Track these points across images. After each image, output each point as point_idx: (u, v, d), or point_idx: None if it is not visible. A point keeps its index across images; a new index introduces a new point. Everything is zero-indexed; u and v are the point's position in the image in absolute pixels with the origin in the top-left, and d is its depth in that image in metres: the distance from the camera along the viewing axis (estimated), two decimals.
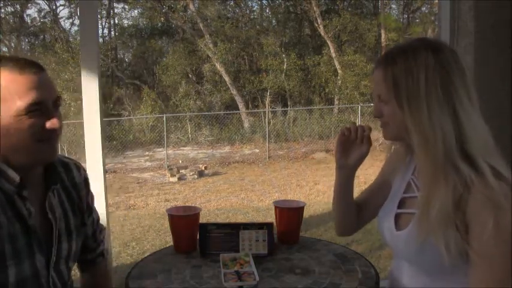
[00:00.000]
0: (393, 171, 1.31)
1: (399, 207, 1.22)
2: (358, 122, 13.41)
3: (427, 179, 1.08)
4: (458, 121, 1.06)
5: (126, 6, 18.76)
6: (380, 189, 1.37)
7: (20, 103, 1.07)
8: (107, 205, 1.92)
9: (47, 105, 1.12)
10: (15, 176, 1.10)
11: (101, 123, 1.87)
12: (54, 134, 1.13)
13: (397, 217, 1.21)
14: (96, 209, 1.41)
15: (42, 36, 18.79)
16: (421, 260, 1.12)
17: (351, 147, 1.31)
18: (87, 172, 1.38)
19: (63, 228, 1.22)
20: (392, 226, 1.20)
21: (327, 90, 16.29)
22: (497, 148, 1.09)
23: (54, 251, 1.18)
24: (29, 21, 18.74)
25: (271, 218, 1.66)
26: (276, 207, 1.54)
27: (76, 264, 1.39)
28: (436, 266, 1.08)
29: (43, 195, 1.19)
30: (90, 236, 1.37)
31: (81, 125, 1.88)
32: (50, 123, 1.11)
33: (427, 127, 1.06)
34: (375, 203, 1.35)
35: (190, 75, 16.93)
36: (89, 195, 1.36)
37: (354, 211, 1.39)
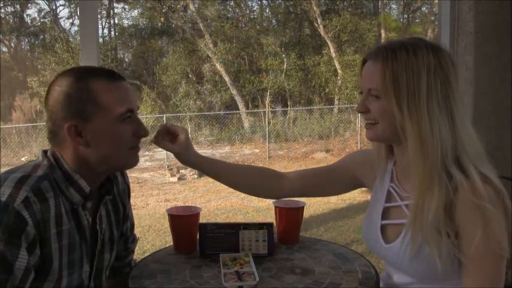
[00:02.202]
0: (365, 171, 1.29)
1: (383, 218, 1.19)
2: (358, 122, 13.40)
3: (422, 185, 1.05)
4: (454, 126, 1.05)
5: (126, 6, 18.79)
6: (330, 175, 1.37)
7: (118, 109, 1.10)
8: None
9: (136, 113, 1.17)
10: (86, 187, 1.11)
11: None
12: (140, 141, 1.19)
13: (383, 228, 1.18)
14: (132, 215, 1.42)
15: (42, 36, 18.80)
16: (414, 270, 1.11)
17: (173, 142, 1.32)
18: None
19: (107, 239, 1.23)
20: (380, 239, 1.18)
21: (327, 90, 16.28)
22: (486, 154, 1.08)
23: (95, 262, 1.19)
24: (29, 21, 18.77)
25: (271, 218, 1.66)
26: (276, 207, 1.54)
27: None
28: (430, 274, 1.08)
29: (96, 206, 1.19)
30: (122, 244, 1.37)
31: None
32: (145, 131, 1.17)
33: (426, 130, 1.03)
34: (314, 185, 1.38)
35: (190, 75, 16.93)
36: (129, 202, 1.36)
37: (255, 180, 1.40)
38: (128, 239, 1.40)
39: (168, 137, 1.31)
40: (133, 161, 1.19)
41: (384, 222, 1.19)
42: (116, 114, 1.10)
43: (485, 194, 0.99)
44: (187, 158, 1.33)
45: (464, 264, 1.03)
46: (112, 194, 1.25)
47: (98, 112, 1.09)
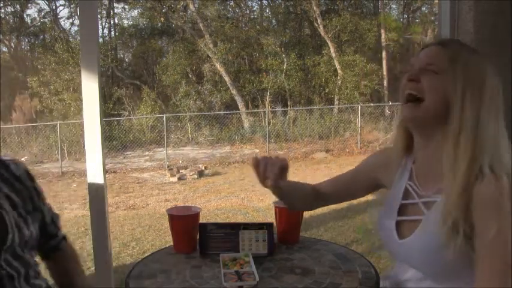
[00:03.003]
0: (385, 171, 1.31)
1: (399, 214, 1.21)
2: (358, 122, 13.40)
3: (452, 168, 1.06)
4: (498, 130, 1.08)
5: (126, 6, 18.78)
6: (355, 179, 1.39)
7: None
8: (107, 205, 1.92)
9: None
10: None
11: (100, 123, 1.87)
12: None
13: (398, 224, 1.20)
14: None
15: (42, 36, 18.79)
16: (427, 266, 1.12)
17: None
18: (27, 167, 1.44)
19: (15, 217, 1.27)
20: (395, 234, 1.19)
21: (327, 90, 16.29)
22: None
23: (12, 238, 1.22)
24: (29, 21, 18.78)
25: (271, 218, 1.66)
26: (276, 207, 1.54)
27: (41, 256, 1.45)
28: (443, 270, 1.08)
29: None
30: (49, 223, 1.42)
31: (81, 125, 1.88)
32: None
33: (474, 118, 1.06)
34: (345, 190, 1.41)
35: (190, 75, 16.93)
36: (36, 185, 1.40)
37: (303, 197, 1.41)
38: (54, 217, 1.45)
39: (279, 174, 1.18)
40: None
41: (400, 218, 1.20)
42: None
43: (510, 194, 0.99)
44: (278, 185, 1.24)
45: (475, 262, 1.02)
46: None
47: None
